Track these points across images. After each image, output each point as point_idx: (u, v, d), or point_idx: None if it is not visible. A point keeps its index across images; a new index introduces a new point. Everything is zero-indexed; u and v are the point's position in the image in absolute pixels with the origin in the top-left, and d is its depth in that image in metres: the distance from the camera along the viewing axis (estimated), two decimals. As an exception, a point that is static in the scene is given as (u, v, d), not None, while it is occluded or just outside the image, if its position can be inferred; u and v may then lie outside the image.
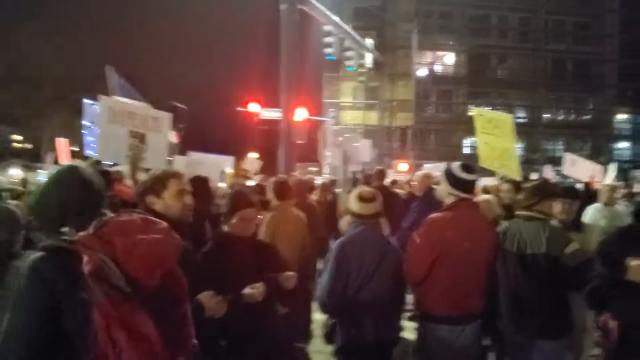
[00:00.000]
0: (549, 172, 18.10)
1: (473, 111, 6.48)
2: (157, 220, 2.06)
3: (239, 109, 30.04)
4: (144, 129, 6.03)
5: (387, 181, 10.83)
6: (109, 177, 5.27)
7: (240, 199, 3.43)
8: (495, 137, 5.98)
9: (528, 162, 40.21)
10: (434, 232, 3.71)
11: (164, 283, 1.96)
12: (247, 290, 3.03)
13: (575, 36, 45.62)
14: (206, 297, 2.74)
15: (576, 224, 4.59)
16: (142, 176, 5.53)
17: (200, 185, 3.29)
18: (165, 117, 6.34)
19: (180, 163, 7.92)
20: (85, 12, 36.59)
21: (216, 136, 30.91)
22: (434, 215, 3.85)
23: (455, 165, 3.89)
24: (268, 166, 17.75)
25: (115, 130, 5.78)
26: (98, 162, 5.91)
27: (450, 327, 3.66)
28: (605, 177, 10.34)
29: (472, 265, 3.69)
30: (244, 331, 3.12)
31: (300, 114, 25.60)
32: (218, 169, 8.65)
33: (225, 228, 3.34)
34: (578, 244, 3.84)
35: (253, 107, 28.51)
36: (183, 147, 14.64)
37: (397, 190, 10.21)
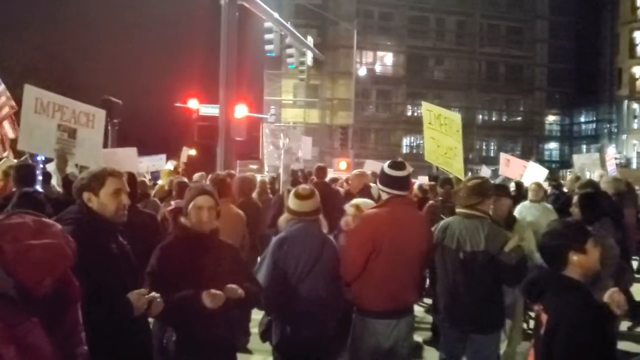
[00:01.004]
0: (486, 172, 18.76)
1: (423, 105, 6.51)
2: (51, 222, 1.94)
3: (178, 104, 29.46)
4: (76, 123, 5.88)
5: (327, 179, 10.91)
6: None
7: (195, 188, 3.42)
8: (441, 134, 6.04)
9: (463, 162, 41.54)
10: (367, 228, 3.76)
11: (55, 289, 1.85)
12: (205, 295, 2.92)
13: (508, 40, 47.52)
14: (135, 296, 2.64)
15: (508, 222, 4.74)
16: (70, 170, 5.37)
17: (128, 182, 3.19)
18: (100, 113, 6.21)
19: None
20: (25, 8, 34.98)
21: (154, 132, 30.22)
22: (367, 211, 3.91)
23: (386, 164, 3.98)
24: (207, 163, 17.48)
25: (41, 121, 5.66)
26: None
27: (385, 321, 3.72)
28: (529, 175, 10.78)
29: (405, 259, 3.76)
30: (195, 333, 3.05)
31: (240, 111, 25.35)
32: (132, 164, 8.43)
33: (183, 220, 3.26)
34: (515, 242, 3.96)
35: (192, 103, 28.00)
36: (119, 143, 14.29)
37: (337, 188, 10.29)
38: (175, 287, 2.93)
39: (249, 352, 5.83)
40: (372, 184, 6.71)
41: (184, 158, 14.36)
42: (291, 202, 3.88)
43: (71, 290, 2.00)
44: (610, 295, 2.64)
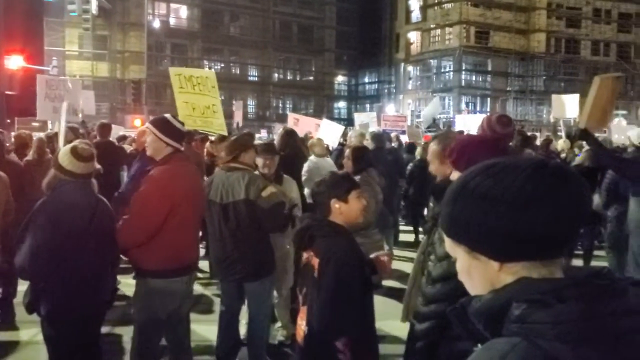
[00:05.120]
0: (280, 129, 19.32)
1: (171, 70, 6.41)
2: None
3: None
4: None
5: (114, 136, 10.37)
6: None
7: None
8: (196, 95, 5.98)
9: (260, 119, 42.44)
10: (166, 187, 3.58)
11: None
12: None
13: (300, 1, 48.88)
14: None
15: (277, 176, 4.95)
16: None
17: None
18: None
19: None
20: None
21: None
22: (159, 169, 3.65)
23: (169, 115, 3.82)
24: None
25: None
26: None
27: (171, 280, 3.64)
28: (323, 132, 11.47)
29: (193, 216, 3.76)
30: None
31: (15, 62, 22.66)
32: None
33: None
34: (274, 189, 4.20)
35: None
36: None
37: (126, 146, 9.83)
38: None
39: (14, 327, 5.40)
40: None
41: None
42: (67, 161, 3.49)
43: None
44: (379, 258, 2.98)
